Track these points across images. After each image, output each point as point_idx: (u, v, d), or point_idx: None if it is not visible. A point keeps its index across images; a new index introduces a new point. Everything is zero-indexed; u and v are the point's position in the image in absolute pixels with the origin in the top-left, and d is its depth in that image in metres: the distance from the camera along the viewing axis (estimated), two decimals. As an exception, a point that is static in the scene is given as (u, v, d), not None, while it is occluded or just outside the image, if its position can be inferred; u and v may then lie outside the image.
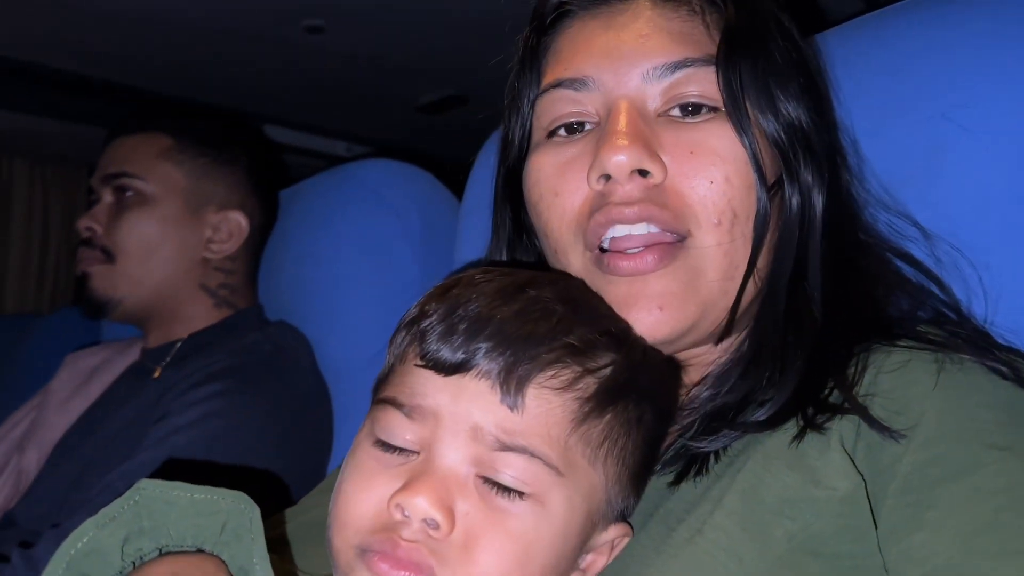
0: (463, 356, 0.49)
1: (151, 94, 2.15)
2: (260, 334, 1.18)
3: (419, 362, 0.50)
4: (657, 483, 0.56)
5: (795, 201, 0.59)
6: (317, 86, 2.25)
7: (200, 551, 0.49)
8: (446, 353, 0.49)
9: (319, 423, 1.10)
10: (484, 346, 0.49)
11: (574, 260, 0.61)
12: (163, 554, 0.49)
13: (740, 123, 0.57)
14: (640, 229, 0.57)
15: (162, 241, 1.17)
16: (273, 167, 1.34)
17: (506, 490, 0.48)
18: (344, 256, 1.21)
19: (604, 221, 0.58)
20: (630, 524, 0.54)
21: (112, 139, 1.22)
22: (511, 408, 0.48)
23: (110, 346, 1.39)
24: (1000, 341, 0.60)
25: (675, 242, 0.57)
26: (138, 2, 1.78)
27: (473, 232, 0.99)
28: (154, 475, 0.90)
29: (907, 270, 0.64)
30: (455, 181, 1.16)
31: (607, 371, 0.51)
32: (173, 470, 0.92)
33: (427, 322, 0.51)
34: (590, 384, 0.50)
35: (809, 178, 0.59)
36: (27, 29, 1.76)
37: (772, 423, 0.54)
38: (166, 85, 2.12)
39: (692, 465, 0.54)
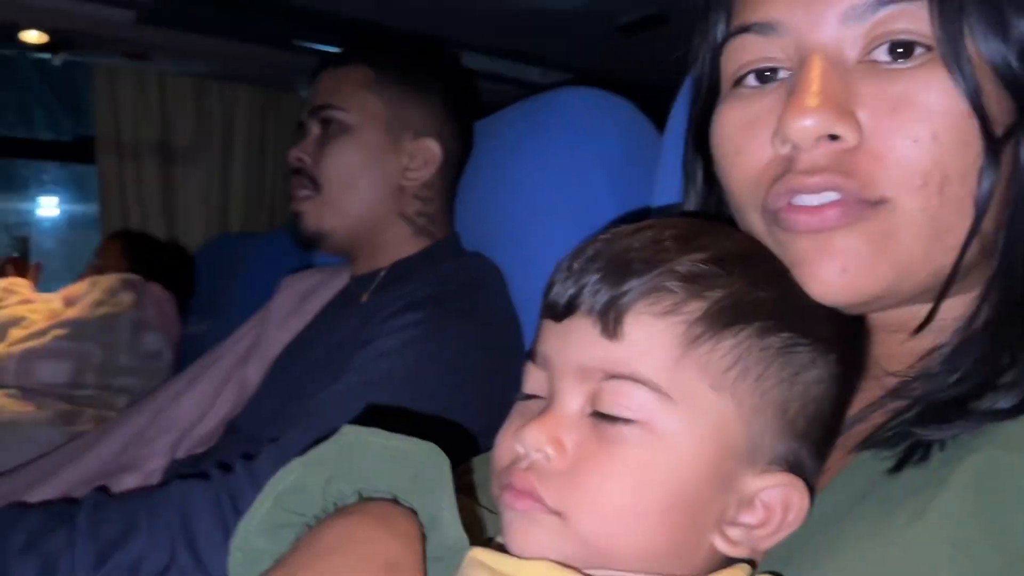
0: (571, 296, 0.50)
1: (357, 21, 2.21)
2: (455, 264, 1.20)
3: (544, 312, 0.53)
4: (874, 466, 0.50)
5: None
6: (510, 8, 2.21)
7: (395, 498, 0.50)
8: (559, 297, 0.51)
9: (511, 355, 1.11)
10: (589, 281, 0.49)
11: (755, 222, 0.56)
12: (362, 498, 0.51)
13: (958, 66, 0.48)
14: (825, 198, 0.51)
15: (363, 169, 1.21)
16: (469, 95, 1.34)
17: (617, 419, 0.48)
18: (538, 186, 1.20)
19: (784, 191, 0.53)
20: (811, 487, 0.51)
21: (319, 73, 1.27)
22: (611, 339, 0.48)
23: (323, 270, 1.47)
24: None
25: (865, 203, 0.51)
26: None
27: (673, 165, 0.94)
28: (358, 415, 0.94)
29: None
30: (656, 108, 1.10)
31: (717, 293, 0.49)
32: (375, 417, 0.95)
33: (556, 272, 0.53)
34: (697, 308, 0.48)
35: None
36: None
37: (1017, 411, 0.47)
38: (368, 12, 2.17)
39: (915, 451, 0.48)
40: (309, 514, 0.51)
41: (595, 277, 0.50)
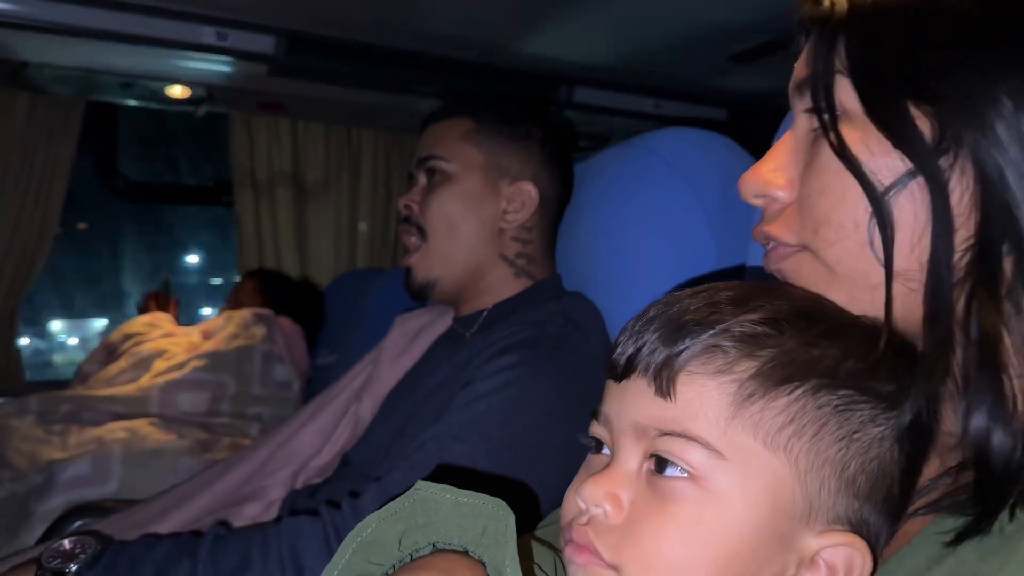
0: (629, 357, 0.52)
1: (468, 64, 2.29)
2: (556, 305, 1.23)
3: (607, 372, 0.55)
4: (937, 535, 0.49)
5: (928, 195, 0.50)
6: (621, 41, 2.23)
7: (466, 551, 0.53)
8: (619, 358, 0.53)
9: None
10: (646, 342, 0.51)
11: None
12: (436, 549, 0.53)
13: (821, 116, 0.54)
14: (771, 246, 0.59)
15: (465, 214, 1.27)
16: (567, 140, 1.38)
17: (671, 476, 0.49)
18: (637, 229, 1.21)
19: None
20: (879, 548, 0.50)
21: (425, 126, 1.35)
22: (664, 398, 0.50)
23: (432, 309, 1.53)
24: None
25: (790, 247, 0.58)
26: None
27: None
28: (439, 473, 0.97)
29: None
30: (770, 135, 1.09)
31: (769, 353, 0.49)
32: (445, 475, 0.99)
33: (620, 333, 0.55)
34: (749, 367, 0.49)
35: (947, 163, 0.49)
36: (362, 15, 1.96)
37: None
38: (480, 56, 2.24)
39: (980, 523, 0.47)
40: (387, 564, 0.54)
41: (652, 338, 0.51)
